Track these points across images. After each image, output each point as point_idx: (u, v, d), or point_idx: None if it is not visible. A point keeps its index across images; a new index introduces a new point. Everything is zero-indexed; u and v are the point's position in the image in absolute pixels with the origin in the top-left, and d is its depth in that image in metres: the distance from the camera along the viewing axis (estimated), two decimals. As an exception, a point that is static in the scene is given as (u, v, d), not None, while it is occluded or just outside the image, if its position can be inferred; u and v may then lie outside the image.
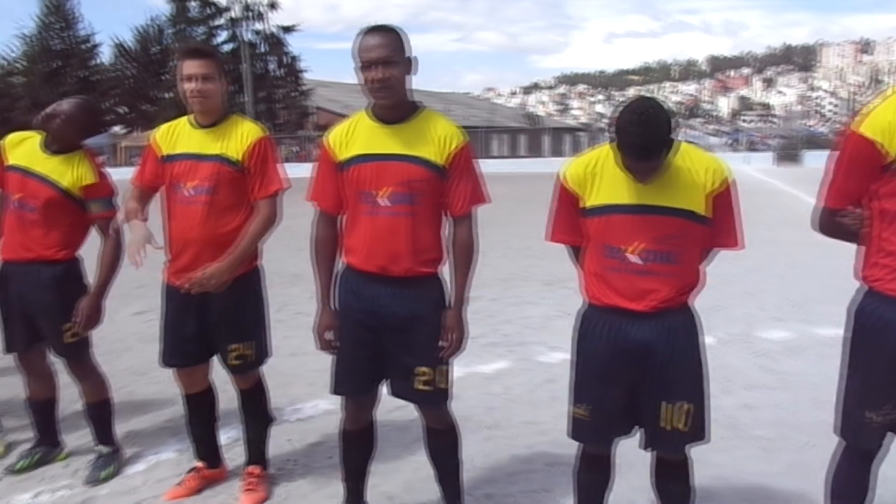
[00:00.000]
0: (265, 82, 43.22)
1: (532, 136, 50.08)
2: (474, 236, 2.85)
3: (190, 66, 3.08)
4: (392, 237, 2.72)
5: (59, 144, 3.48)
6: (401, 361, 2.83)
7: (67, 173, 3.44)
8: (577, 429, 2.70)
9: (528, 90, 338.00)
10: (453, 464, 3.08)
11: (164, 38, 46.64)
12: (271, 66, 44.68)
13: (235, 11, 42.98)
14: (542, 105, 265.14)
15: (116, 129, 43.36)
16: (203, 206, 3.14)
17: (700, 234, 2.50)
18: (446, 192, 2.76)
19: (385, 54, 2.60)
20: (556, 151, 43.52)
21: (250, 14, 42.72)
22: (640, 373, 2.54)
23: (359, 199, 2.75)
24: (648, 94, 2.48)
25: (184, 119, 3.28)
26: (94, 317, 3.49)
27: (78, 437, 4.09)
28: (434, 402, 2.90)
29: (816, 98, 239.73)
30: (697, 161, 2.48)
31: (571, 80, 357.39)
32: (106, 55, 47.81)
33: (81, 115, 3.50)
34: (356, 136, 2.77)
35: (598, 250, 2.55)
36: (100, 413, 3.73)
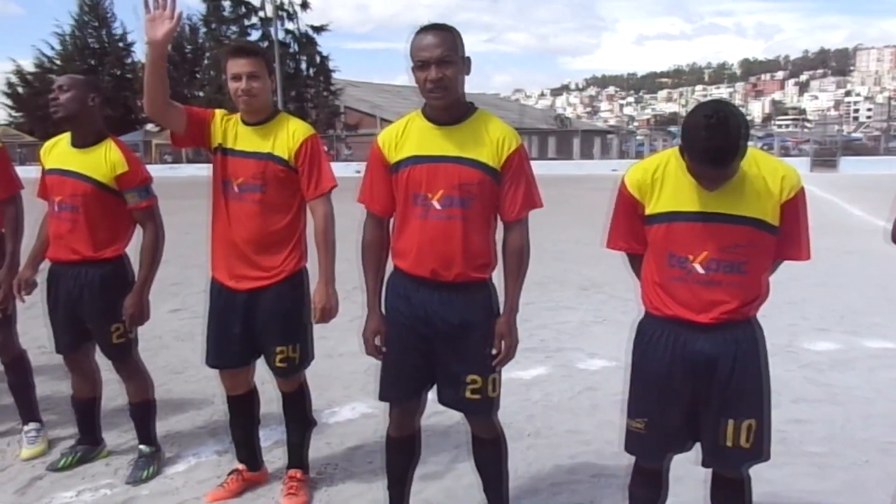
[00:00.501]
0: (296, 82, 43.50)
1: (562, 138, 49.73)
2: (527, 242, 2.78)
3: (236, 65, 3.04)
4: (444, 241, 2.65)
5: (83, 130, 3.43)
6: (450, 369, 2.76)
7: (100, 165, 3.39)
8: (633, 442, 2.62)
9: (556, 92, 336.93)
10: (501, 474, 3.01)
11: (198, 36, 47.23)
12: (302, 66, 44.89)
13: (267, 11, 43.26)
14: (571, 107, 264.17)
15: (149, 126, 43.84)
16: (252, 205, 3.11)
17: (769, 244, 2.40)
18: (500, 195, 2.69)
19: (441, 53, 2.53)
20: (586, 154, 43.15)
21: (282, 14, 42.95)
22: (701, 387, 2.45)
23: (410, 201, 2.68)
24: (721, 98, 2.36)
25: (235, 116, 3.24)
26: (139, 314, 3.46)
27: (116, 435, 4.10)
28: (483, 411, 2.83)
29: (852, 103, 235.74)
30: (768, 167, 2.38)
31: (601, 82, 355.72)
32: (140, 53, 48.42)
33: (78, 82, 3.44)
34: (409, 137, 2.70)
35: (660, 259, 2.47)
36: (143, 413, 3.71)
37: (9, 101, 47.54)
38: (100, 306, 3.45)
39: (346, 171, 13.68)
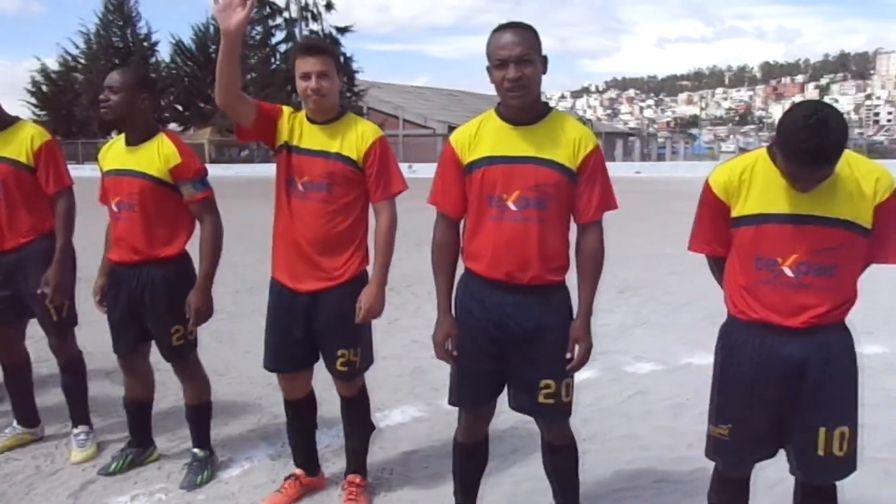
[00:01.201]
0: (319, 82, 43.55)
1: (583, 140, 49.52)
2: (603, 244, 2.70)
3: (306, 63, 2.98)
4: (520, 243, 2.58)
5: (134, 130, 3.38)
6: (523, 373, 2.69)
7: (154, 160, 3.33)
8: (717, 450, 2.53)
9: (577, 94, 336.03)
10: (574, 480, 2.93)
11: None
12: (325, 67, 45.00)
13: (292, 12, 43.43)
14: (591, 109, 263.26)
15: (173, 126, 44.16)
16: (317, 204, 3.05)
17: (861, 247, 2.32)
18: (576, 197, 2.62)
19: (520, 52, 2.46)
20: (609, 156, 42.91)
21: (307, 14, 43.08)
22: (790, 392, 2.36)
23: (485, 202, 2.61)
24: (821, 99, 2.28)
25: (301, 114, 3.18)
26: (204, 310, 3.39)
27: (165, 439, 4.07)
28: (557, 416, 2.76)
29: (872, 106, 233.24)
30: (862, 168, 2.30)
31: (622, 84, 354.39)
32: (164, 53, 48.81)
33: (129, 83, 3.33)
34: (483, 136, 2.64)
35: (746, 261, 2.38)
36: (200, 415, 3.66)
37: (33, 100, 47.97)
38: (162, 307, 3.40)
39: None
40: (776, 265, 2.33)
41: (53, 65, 48.42)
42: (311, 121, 3.11)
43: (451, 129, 46.56)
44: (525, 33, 2.51)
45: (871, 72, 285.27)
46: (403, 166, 3.45)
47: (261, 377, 5.25)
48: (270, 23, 44.65)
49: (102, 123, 46.48)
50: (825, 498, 2.48)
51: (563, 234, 2.66)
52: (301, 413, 3.40)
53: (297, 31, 42.55)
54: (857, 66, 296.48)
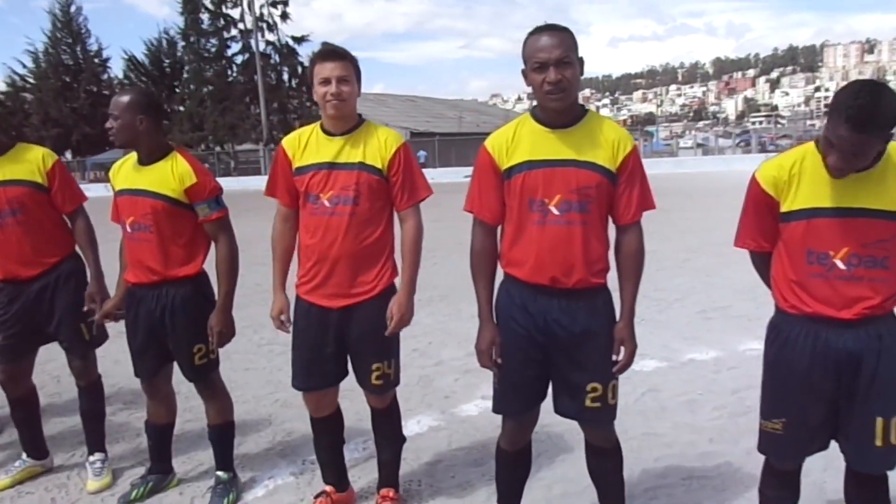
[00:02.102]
0: (278, 93, 43.22)
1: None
2: (643, 244, 2.70)
3: (326, 69, 2.92)
4: (564, 247, 2.56)
5: (143, 150, 3.30)
6: (569, 378, 2.67)
7: (168, 180, 3.25)
8: (769, 444, 2.54)
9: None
10: (619, 483, 2.92)
11: (176, 50, 46.83)
12: (284, 77, 44.64)
13: (247, 23, 43.03)
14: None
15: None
16: (344, 218, 2.98)
17: None
18: (616, 198, 2.61)
19: (560, 54, 2.45)
20: (571, 156, 43.24)
21: (262, 25, 42.72)
22: (844, 384, 2.38)
23: (526, 207, 2.59)
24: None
25: (311, 127, 3.13)
26: (226, 332, 3.33)
27: (180, 462, 3.96)
28: (603, 420, 2.75)
29: (822, 98, 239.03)
30: None
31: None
32: (116, 69, 47.96)
33: (123, 106, 3.22)
34: (521, 141, 2.61)
35: (796, 256, 2.40)
36: (223, 436, 3.58)
37: (-18, 122, 46.82)
38: (182, 327, 3.32)
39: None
40: (828, 258, 2.34)
41: (0, 86, 47.27)
42: (327, 133, 3.05)
43: (414, 134, 46.76)
44: (563, 35, 2.49)
45: (820, 64, 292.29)
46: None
47: (265, 394, 5.18)
48: (225, 35, 44.21)
49: (54, 144, 45.53)
50: (879, 486, 2.50)
51: (604, 236, 2.66)
52: (330, 430, 3.33)
53: (252, 42, 42.14)
54: (806, 59, 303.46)
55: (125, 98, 3.27)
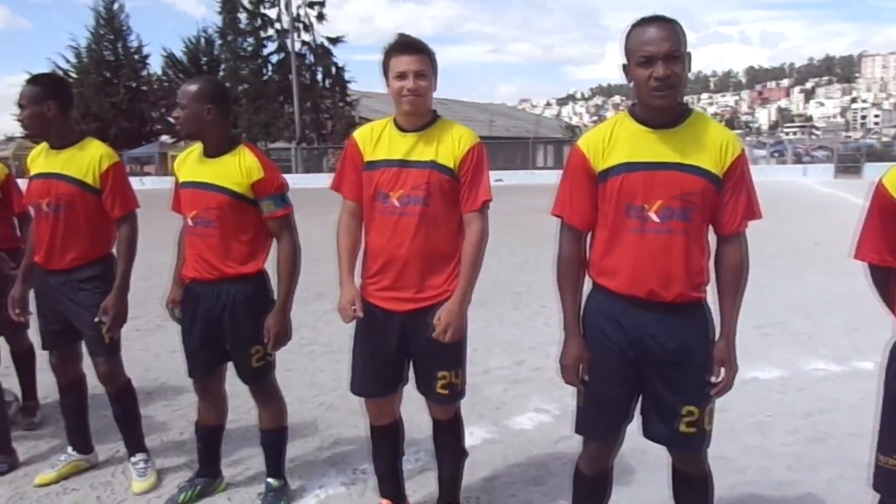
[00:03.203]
0: (312, 93, 43.31)
1: (576, 147, 49.50)
2: (748, 256, 2.49)
3: (403, 62, 2.75)
4: (665, 258, 2.36)
5: (209, 142, 3.18)
6: (662, 399, 2.47)
7: (233, 173, 3.12)
8: (887, 482, 2.31)
9: (562, 101, 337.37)
10: (707, 514, 2.71)
11: (213, 49, 47.16)
12: (318, 77, 44.74)
13: (283, 23, 43.17)
14: (577, 116, 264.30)
15: (165, 138, 43.77)
16: (414, 219, 2.81)
17: None
18: (721, 206, 2.41)
19: (669, 48, 2.25)
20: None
21: (298, 25, 42.86)
22: None
23: (623, 213, 2.39)
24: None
25: (385, 121, 2.96)
26: (284, 334, 3.19)
27: (225, 465, 3.80)
28: (696, 445, 2.54)
29: (858, 110, 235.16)
30: None
31: (607, 91, 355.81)
32: (155, 66, 48.39)
33: (191, 96, 3.11)
34: (618, 141, 2.42)
35: None
36: (277, 441, 3.45)
37: (24, 114, 47.34)
38: (242, 327, 3.18)
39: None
40: None
41: (44, 79, 47.78)
42: (400, 129, 2.88)
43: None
44: (673, 27, 2.29)
45: (857, 75, 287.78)
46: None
47: (309, 397, 5.04)
48: (262, 34, 44.39)
49: (93, 137, 45.83)
50: None
51: (706, 246, 2.45)
52: (389, 439, 3.17)
53: (288, 42, 42.26)
54: (843, 70, 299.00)
55: (193, 87, 3.14)
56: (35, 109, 3.42)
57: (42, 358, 4.14)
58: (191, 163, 3.24)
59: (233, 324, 3.17)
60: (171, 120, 3.65)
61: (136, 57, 47.34)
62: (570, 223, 2.52)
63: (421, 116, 2.86)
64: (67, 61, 47.46)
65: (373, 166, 2.88)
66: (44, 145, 3.59)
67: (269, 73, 45.08)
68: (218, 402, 3.47)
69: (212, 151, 3.18)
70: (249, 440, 4.06)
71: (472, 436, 4.27)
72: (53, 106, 3.43)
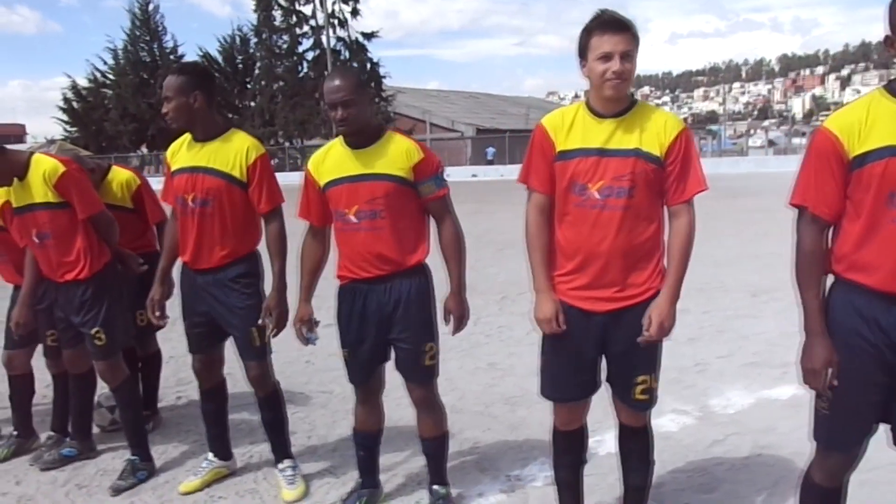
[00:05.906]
0: (348, 89, 43.29)
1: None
2: None
3: (608, 42, 2.53)
4: None
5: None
6: None
7: (396, 158, 3.01)
8: None
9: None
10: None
11: (249, 46, 47.34)
12: (354, 73, 44.76)
13: (318, 19, 43.19)
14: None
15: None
16: (618, 212, 2.62)
17: None
18: None
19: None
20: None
21: (333, 21, 42.83)
22: None
23: (884, 201, 2.16)
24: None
25: (575, 107, 2.76)
26: (466, 317, 3.17)
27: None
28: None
29: None
30: None
31: (636, 82, 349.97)
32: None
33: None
34: (876, 122, 2.17)
35: None
36: (440, 448, 3.31)
37: (64, 117, 47.95)
38: (416, 321, 3.05)
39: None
40: None
41: (83, 81, 48.42)
42: (596, 114, 2.67)
43: (480, 131, 46.32)
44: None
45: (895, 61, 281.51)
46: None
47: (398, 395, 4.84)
48: (297, 31, 44.48)
49: (131, 138, 46.65)
50: None
51: None
52: (575, 446, 3.00)
53: (323, 38, 42.25)
54: (880, 56, 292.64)
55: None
56: (182, 101, 3.30)
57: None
58: (334, 160, 3.11)
59: (406, 319, 3.04)
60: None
61: (172, 57, 47.64)
62: (814, 213, 2.30)
63: (621, 101, 2.65)
64: (105, 63, 48.04)
65: (566, 156, 2.69)
66: (184, 138, 3.47)
67: (305, 70, 45.16)
68: (378, 407, 3.34)
69: (363, 142, 3.04)
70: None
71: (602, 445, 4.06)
72: (200, 97, 3.31)
